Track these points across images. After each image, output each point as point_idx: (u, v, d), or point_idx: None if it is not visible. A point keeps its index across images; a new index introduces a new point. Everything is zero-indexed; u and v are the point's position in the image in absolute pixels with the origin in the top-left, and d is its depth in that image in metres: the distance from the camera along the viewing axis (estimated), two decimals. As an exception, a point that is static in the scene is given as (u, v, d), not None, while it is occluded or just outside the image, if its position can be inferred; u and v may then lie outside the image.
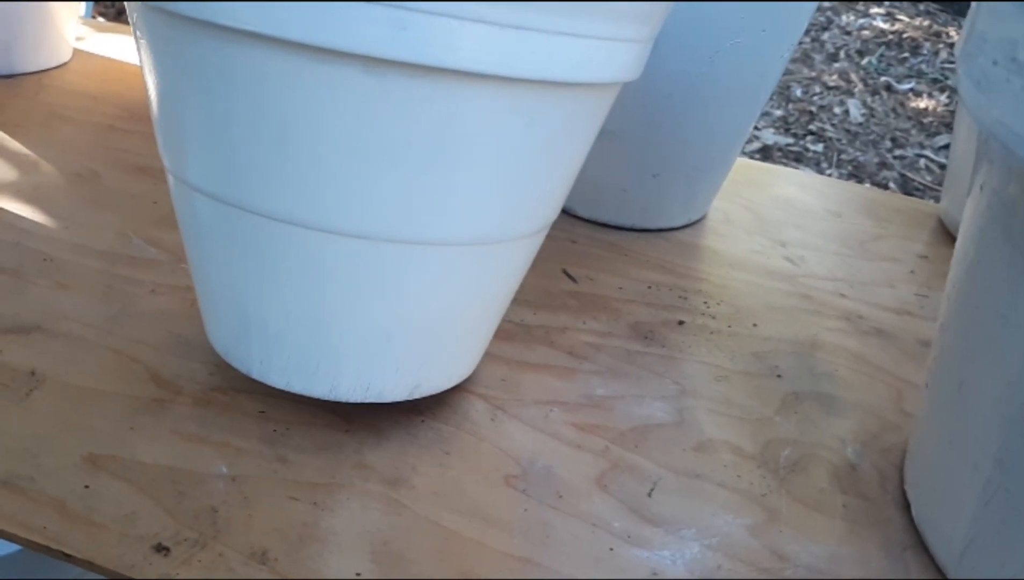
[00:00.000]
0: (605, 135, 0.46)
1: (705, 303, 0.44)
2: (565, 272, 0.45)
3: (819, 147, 1.69)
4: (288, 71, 0.24)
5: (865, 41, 2.22)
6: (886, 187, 1.53)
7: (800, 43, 2.43)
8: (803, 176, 0.62)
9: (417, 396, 0.33)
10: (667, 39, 0.41)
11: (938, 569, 0.31)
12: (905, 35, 2.25)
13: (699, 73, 0.43)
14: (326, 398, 0.31)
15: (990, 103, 0.23)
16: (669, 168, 0.48)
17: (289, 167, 0.26)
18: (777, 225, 0.54)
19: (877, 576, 0.30)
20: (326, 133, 0.25)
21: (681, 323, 0.42)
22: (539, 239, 0.33)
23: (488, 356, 0.38)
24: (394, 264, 0.28)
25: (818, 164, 1.63)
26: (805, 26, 0.45)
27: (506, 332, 0.39)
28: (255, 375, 0.32)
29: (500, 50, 0.24)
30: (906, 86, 1.98)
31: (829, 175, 1.57)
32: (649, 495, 0.32)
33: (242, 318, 0.30)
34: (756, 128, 1.80)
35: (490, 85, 0.25)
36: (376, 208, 0.27)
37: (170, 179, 0.30)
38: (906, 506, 0.33)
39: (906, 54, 2.15)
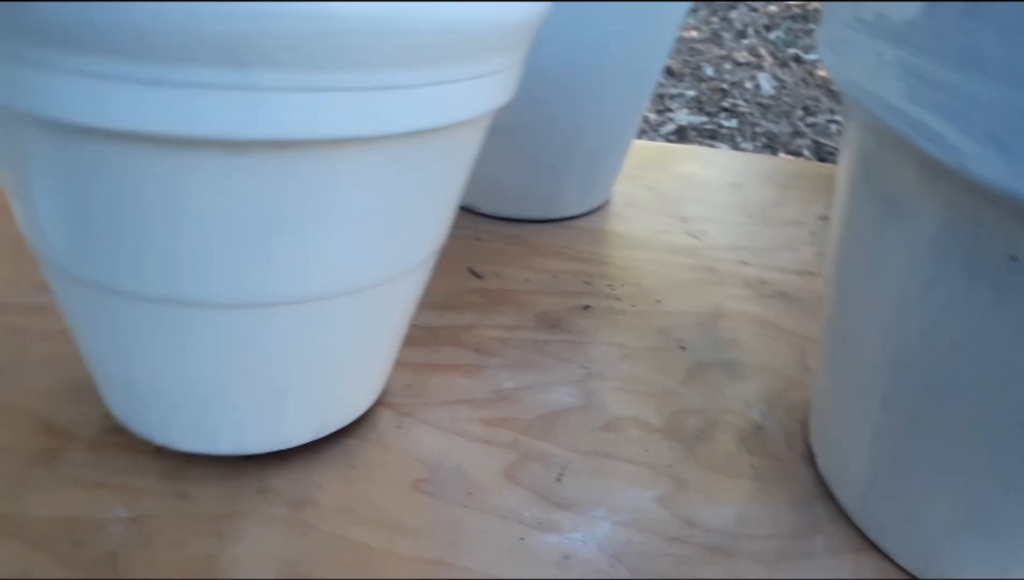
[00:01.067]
0: (499, 130, 0.46)
1: (610, 285, 0.45)
2: (471, 270, 0.45)
3: (733, 123, 1.71)
4: (147, 160, 0.23)
5: (772, 16, 2.27)
6: (800, 155, 1.56)
7: (708, 23, 2.46)
8: (704, 152, 0.63)
9: (325, 434, 0.33)
10: (551, 33, 0.42)
11: (845, 516, 0.31)
12: (810, 7, 2.31)
13: (586, 63, 0.44)
14: (234, 454, 0.31)
15: (844, 64, 0.24)
16: (565, 157, 0.48)
17: (155, 250, 0.25)
18: (679, 202, 0.55)
19: (786, 530, 0.31)
20: (190, 214, 0.24)
21: (587, 308, 0.43)
22: (428, 265, 0.32)
23: (394, 364, 0.37)
24: (277, 325, 0.28)
25: (733, 139, 1.66)
26: (687, 8, 0.46)
27: (411, 338, 0.39)
28: (159, 441, 0.31)
29: (364, 113, 0.23)
30: (814, 56, 2.02)
31: (744, 149, 1.60)
32: (558, 480, 0.32)
33: (135, 391, 0.30)
34: (670, 109, 1.83)
35: (356, 146, 0.24)
36: (249, 278, 0.26)
37: (38, 258, 0.29)
38: (812, 459, 0.34)
39: (812, 26, 2.20)
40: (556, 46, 0.42)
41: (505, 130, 0.46)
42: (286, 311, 0.27)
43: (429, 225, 0.29)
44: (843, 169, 0.29)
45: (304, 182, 0.24)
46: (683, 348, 0.40)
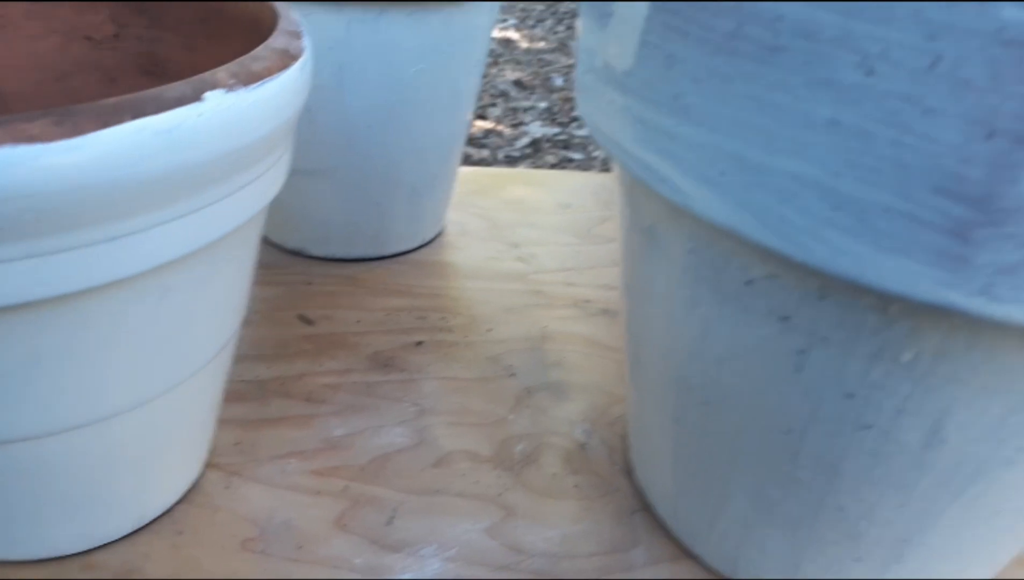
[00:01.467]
0: (318, 175, 0.47)
1: (442, 318, 0.46)
2: (301, 316, 0.45)
3: (585, 131, 1.77)
4: None
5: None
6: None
7: (555, 32, 2.51)
8: (535, 174, 0.65)
9: (144, 523, 0.32)
10: (356, 76, 0.42)
11: (662, 526, 0.33)
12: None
13: (395, 101, 0.44)
14: (46, 557, 0.30)
15: (588, 109, 0.25)
16: (389, 195, 0.49)
17: None
18: (510, 227, 0.56)
19: (608, 544, 0.32)
20: None
21: (419, 344, 0.43)
22: (226, 351, 0.32)
23: (221, 423, 0.37)
24: (65, 450, 0.26)
25: (585, 148, 1.71)
26: (488, 36, 0.47)
27: (238, 394, 0.39)
28: None
29: (104, 262, 0.21)
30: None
31: (596, 156, 1.65)
32: (389, 523, 0.33)
33: None
34: (524, 122, 1.87)
35: (106, 290, 0.23)
36: (22, 415, 0.24)
37: None
38: (631, 472, 0.35)
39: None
40: (362, 90, 0.43)
41: (325, 173, 0.46)
42: (74, 434, 0.26)
43: (212, 326, 0.29)
44: (617, 199, 0.31)
45: (59, 328, 0.23)
46: (512, 375, 0.41)
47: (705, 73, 0.18)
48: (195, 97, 0.20)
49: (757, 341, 0.23)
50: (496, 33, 2.53)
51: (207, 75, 0.20)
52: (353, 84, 0.42)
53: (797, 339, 0.22)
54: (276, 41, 0.23)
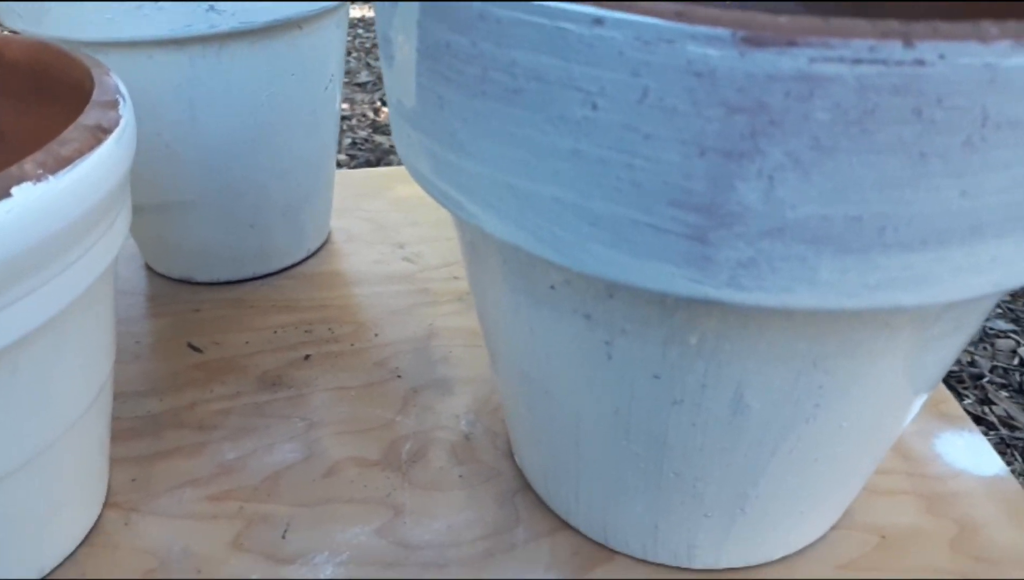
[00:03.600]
0: (188, 206, 0.47)
1: (330, 329, 0.47)
2: (190, 345, 0.46)
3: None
4: None
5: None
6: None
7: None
8: (419, 170, 0.66)
9: (46, 573, 0.33)
10: (207, 110, 0.43)
11: (541, 502, 0.35)
12: None
13: (251, 127, 0.45)
14: None
15: (396, 141, 0.26)
16: (262, 216, 0.50)
17: None
18: (396, 228, 0.58)
19: (492, 527, 0.34)
20: None
21: (307, 358, 0.45)
22: (102, 399, 0.32)
23: (114, 462, 0.38)
24: None
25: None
26: (341, 49, 0.48)
27: (132, 431, 0.40)
28: None
29: None
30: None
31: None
32: (283, 537, 0.34)
33: None
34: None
35: None
36: None
37: None
38: (512, 455, 0.38)
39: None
40: (217, 121, 0.44)
41: (194, 204, 0.47)
42: None
43: (78, 382, 0.29)
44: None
45: None
46: (399, 377, 0.43)
47: (469, 112, 0.20)
48: (2, 194, 0.21)
49: (571, 336, 0.25)
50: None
51: (13, 169, 0.21)
52: (206, 117, 0.43)
53: (601, 333, 0.24)
54: (87, 118, 0.24)
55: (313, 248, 0.54)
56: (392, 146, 1.74)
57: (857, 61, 0.16)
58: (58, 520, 0.32)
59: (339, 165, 1.73)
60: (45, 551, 0.33)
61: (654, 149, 0.18)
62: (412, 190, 0.63)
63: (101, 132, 0.24)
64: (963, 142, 0.17)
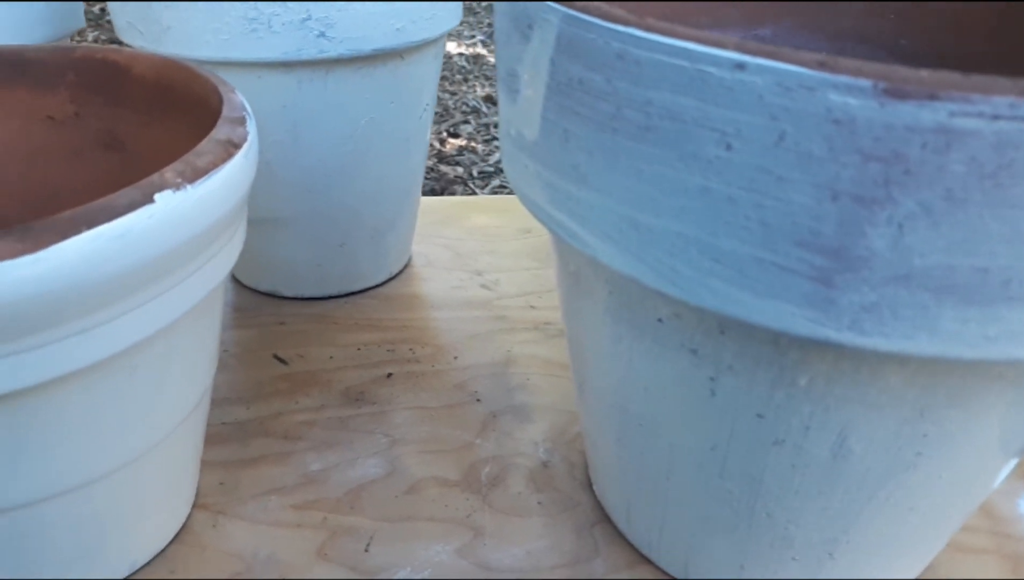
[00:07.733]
0: (281, 223, 0.49)
1: (411, 350, 0.48)
2: (276, 356, 0.47)
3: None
4: None
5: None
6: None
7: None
8: (496, 201, 0.68)
9: (138, 568, 0.34)
10: (309, 132, 0.45)
11: (620, 535, 0.36)
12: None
13: (348, 151, 0.47)
14: None
15: (509, 171, 0.28)
16: (351, 237, 0.51)
17: None
18: (473, 255, 0.59)
19: (570, 556, 0.35)
20: None
21: (389, 376, 0.46)
22: (202, 405, 0.34)
23: (205, 465, 0.39)
24: (61, 511, 0.29)
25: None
26: (435, 80, 0.50)
27: (220, 436, 0.41)
28: None
29: (78, 350, 0.23)
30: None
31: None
32: (366, 550, 0.35)
33: None
34: (496, 138, 1.88)
35: (77, 375, 0.25)
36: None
37: None
38: (591, 486, 0.38)
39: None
40: (317, 143, 0.46)
41: (288, 222, 0.49)
42: (64, 498, 0.28)
43: (184, 387, 0.30)
44: (549, 244, 0.33)
45: (39, 411, 0.25)
46: (478, 400, 0.44)
47: (596, 147, 0.21)
48: (146, 200, 0.22)
49: (674, 371, 0.25)
50: (464, 50, 2.56)
51: (155, 177, 0.23)
52: (307, 139, 0.44)
53: (707, 368, 0.24)
54: (219, 132, 0.26)
55: (395, 271, 0.56)
56: (457, 176, 1.77)
57: (996, 117, 0.17)
58: (152, 517, 0.33)
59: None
60: (137, 546, 0.34)
61: (786, 191, 0.19)
62: (488, 220, 0.64)
63: (232, 146, 0.26)
64: (1101, 199, 0.17)
